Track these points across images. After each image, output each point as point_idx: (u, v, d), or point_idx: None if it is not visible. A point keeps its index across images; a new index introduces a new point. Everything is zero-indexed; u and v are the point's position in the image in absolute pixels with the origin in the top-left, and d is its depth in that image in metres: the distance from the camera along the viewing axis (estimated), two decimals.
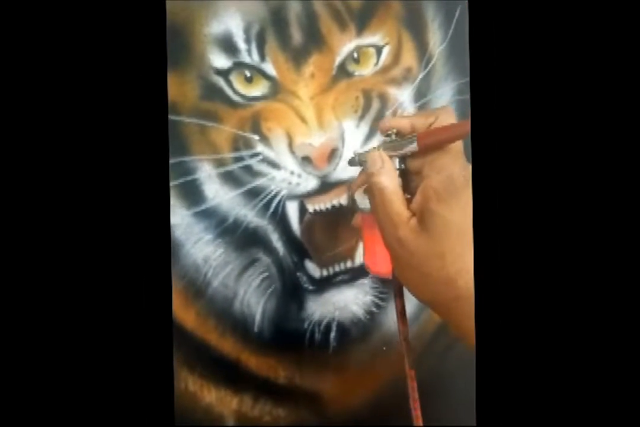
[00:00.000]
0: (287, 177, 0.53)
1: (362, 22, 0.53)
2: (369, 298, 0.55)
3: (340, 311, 0.55)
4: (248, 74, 0.52)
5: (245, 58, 0.52)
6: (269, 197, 0.53)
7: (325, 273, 0.55)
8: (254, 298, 0.54)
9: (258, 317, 0.54)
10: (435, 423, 0.46)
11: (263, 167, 0.53)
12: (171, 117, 0.51)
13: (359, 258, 0.55)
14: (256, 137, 0.52)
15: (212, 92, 0.52)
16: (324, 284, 0.55)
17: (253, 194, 0.53)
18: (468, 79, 0.54)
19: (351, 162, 0.47)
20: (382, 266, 0.45)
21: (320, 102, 0.53)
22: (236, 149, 0.52)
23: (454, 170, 0.40)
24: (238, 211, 0.53)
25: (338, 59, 0.53)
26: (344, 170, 0.53)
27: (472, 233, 0.39)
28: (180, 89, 0.51)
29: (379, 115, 0.54)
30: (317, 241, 0.55)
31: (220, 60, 0.52)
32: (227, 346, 0.54)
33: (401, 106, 0.54)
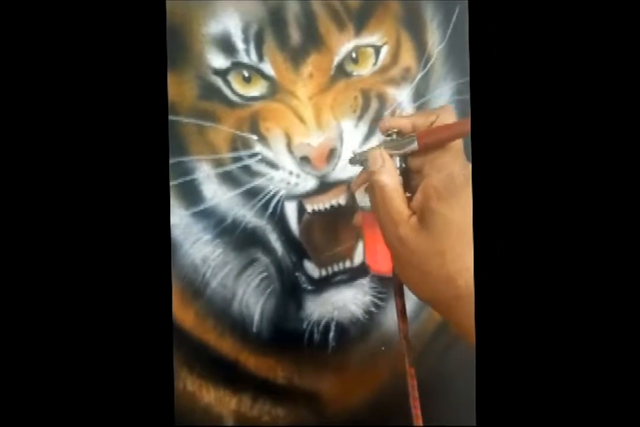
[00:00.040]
0: (286, 177, 0.53)
1: (361, 22, 0.53)
2: (367, 298, 0.55)
3: (339, 311, 0.55)
4: (246, 74, 0.52)
5: (243, 58, 0.52)
6: (267, 197, 0.53)
7: (324, 273, 0.55)
8: (252, 298, 0.54)
9: (257, 317, 0.54)
10: (435, 423, 0.46)
11: (261, 167, 0.53)
12: (169, 117, 0.51)
13: (357, 258, 0.55)
14: (254, 137, 0.52)
15: (210, 92, 0.52)
16: (322, 284, 0.55)
17: (252, 194, 0.53)
18: (467, 78, 0.54)
19: (352, 161, 0.47)
20: (383, 264, 0.45)
21: (319, 102, 0.53)
22: (234, 149, 0.52)
23: (454, 169, 0.40)
24: (237, 211, 0.53)
25: (336, 59, 0.53)
26: (342, 170, 0.53)
27: (472, 232, 0.39)
28: (178, 89, 0.51)
29: (378, 115, 0.54)
30: (315, 241, 0.55)
31: (218, 60, 0.52)
32: (226, 346, 0.54)
33: (400, 106, 0.54)
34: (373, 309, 0.55)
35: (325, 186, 0.53)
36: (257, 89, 0.52)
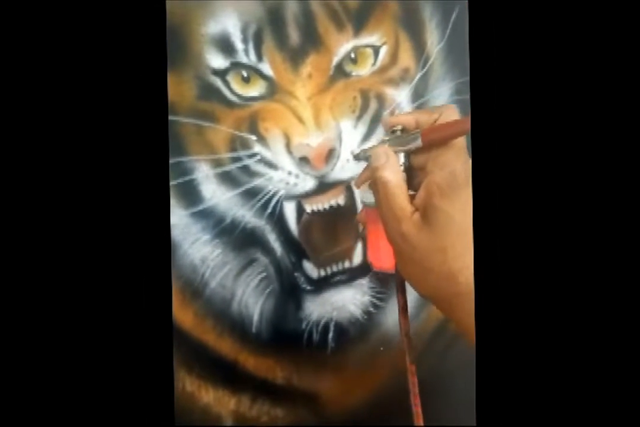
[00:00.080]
0: (285, 177, 0.53)
1: (360, 22, 0.53)
2: (366, 298, 0.55)
3: (338, 311, 0.55)
4: (245, 74, 0.52)
5: (242, 58, 0.52)
6: (266, 197, 0.53)
7: (323, 273, 0.55)
8: (251, 298, 0.54)
9: (256, 318, 0.54)
10: (435, 423, 0.46)
11: (260, 168, 0.53)
12: (169, 117, 0.51)
13: (356, 258, 0.55)
14: (253, 138, 0.52)
15: (209, 92, 0.52)
16: (321, 284, 0.55)
17: (251, 194, 0.53)
18: (466, 78, 0.54)
19: (356, 157, 0.47)
20: (386, 261, 0.45)
21: (318, 102, 0.53)
22: (233, 149, 0.52)
23: (456, 166, 0.40)
24: (236, 211, 0.53)
25: (335, 59, 0.53)
26: (341, 171, 0.53)
27: (472, 230, 0.39)
28: (177, 89, 0.51)
29: (377, 116, 0.54)
30: (314, 241, 0.55)
31: (217, 61, 0.52)
32: (225, 346, 0.54)
33: (398, 106, 0.54)
34: (372, 309, 0.56)
35: (324, 186, 0.53)
36: (256, 89, 0.52)
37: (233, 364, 0.54)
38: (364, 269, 0.55)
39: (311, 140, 0.52)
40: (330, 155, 0.53)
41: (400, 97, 0.54)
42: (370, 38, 0.53)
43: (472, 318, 0.39)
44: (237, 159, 0.52)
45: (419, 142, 0.42)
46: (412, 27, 0.54)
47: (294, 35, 0.52)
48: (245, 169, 0.53)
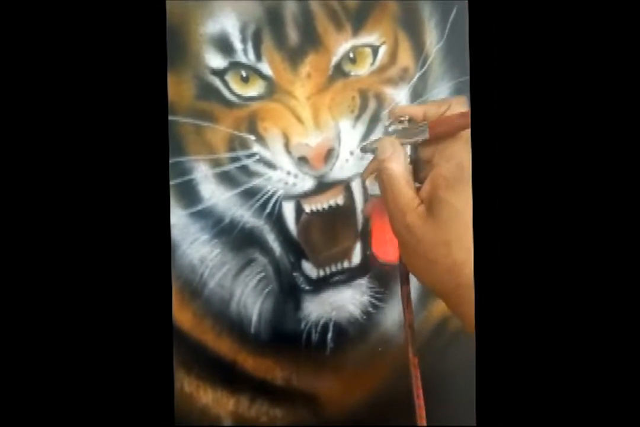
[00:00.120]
0: (284, 177, 0.53)
1: (359, 21, 0.53)
2: (366, 298, 0.55)
3: (337, 311, 0.55)
4: (244, 73, 0.52)
5: (241, 58, 0.52)
6: (265, 197, 0.53)
7: (322, 273, 0.55)
8: (250, 299, 0.54)
9: (255, 318, 0.54)
10: (435, 423, 0.46)
11: (259, 168, 0.53)
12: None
13: (355, 258, 0.55)
14: (252, 137, 0.52)
15: (208, 92, 0.52)
16: (320, 285, 0.55)
17: (249, 194, 0.53)
18: (464, 78, 0.54)
19: (363, 150, 0.47)
20: (391, 253, 0.45)
21: (317, 102, 0.52)
22: (232, 149, 0.52)
23: (463, 159, 0.40)
24: (234, 211, 0.53)
25: (334, 59, 0.53)
26: (340, 170, 0.53)
27: (473, 225, 0.39)
28: (176, 88, 0.51)
29: (376, 115, 0.54)
30: (313, 241, 0.54)
31: (216, 60, 0.52)
32: (223, 346, 0.53)
33: (397, 106, 0.54)
34: (371, 309, 0.55)
35: (323, 186, 0.53)
36: (254, 89, 0.52)
37: (232, 364, 0.54)
38: (363, 269, 0.55)
39: (310, 140, 0.52)
40: (329, 155, 0.53)
41: (399, 96, 0.54)
42: (369, 38, 0.53)
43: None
44: (235, 159, 0.52)
45: (426, 135, 0.42)
46: (411, 27, 0.54)
47: (292, 35, 0.52)
48: (244, 168, 0.52)
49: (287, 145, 0.52)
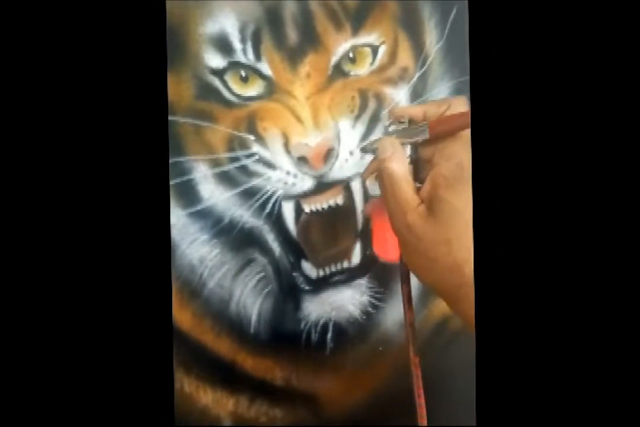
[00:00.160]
0: (283, 177, 0.53)
1: (358, 21, 0.53)
2: (365, 298, 0.55)
3: (336, 311, 0.55)
4: (243, 73, 0.52)
5: (240, 58, 0.52)
6: (264, 197, 0.53)
7: (321, 273, 0.55)
8: (250, 299, 0.54)
9: (254, 318, 0.54)
10: (435, 423, 0.46)
11: (259, 168, 0.53)
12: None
13: (355, 258, 0.55)
14: (252, 137, 0.52)
15: (208, 92, 0.52)
16: (320, 285, 0.55)
17: (249, 194, 0.53)
18: (464, 77, 0.54)
19: (363, 150, 0.47)
20: (392, 252, 0.45)
21: (316, 102, 0.52)
22: (232, 149, 0.52)
23: (463, 158, 0.40)
24: (234, 211, 0.53)
25: (334, 59, 0.53)
26: (340, 170, 0.53)
27: (473, 224, 0.39)
28: (175, 88, 0.51)
29: (375, 115, 0.54)
30: (313, 241, 0.54)
31: (215, 60, 0.51)
32: (223, 347, 0.53)
33: (397, 106, 0.54)
34: (371, 309, 0.55)
35: (322, 186, 0.53)
36: (254, 88, 0.52)
37: (231, 364, 0.54)
38: (362, 269, 0.55)
39: (310, 140, 0.52)
40: (328, 155, 0.52)
41: (399, 96, 0.54)
42: (368, 37, 0.53)
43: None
44: (235, 159, 0.52)
45: (426, 134, 0.42)
46: (411, 27, 0.54)
47: (292, 35, 0.52)
48: (244, 168, 0.52)
49: (286, 145, 0.52)
